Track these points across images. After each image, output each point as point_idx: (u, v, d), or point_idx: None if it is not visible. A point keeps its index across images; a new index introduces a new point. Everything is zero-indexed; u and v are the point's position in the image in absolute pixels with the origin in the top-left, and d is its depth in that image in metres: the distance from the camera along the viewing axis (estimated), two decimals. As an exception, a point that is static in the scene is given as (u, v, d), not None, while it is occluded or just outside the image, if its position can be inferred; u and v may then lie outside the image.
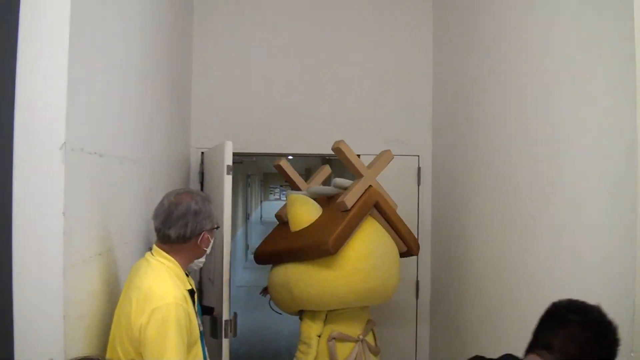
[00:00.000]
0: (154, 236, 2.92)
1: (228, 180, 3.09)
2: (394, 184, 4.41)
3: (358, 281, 3.13)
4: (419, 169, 4.45)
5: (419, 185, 4.46)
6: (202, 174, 4.27)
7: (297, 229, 3.43)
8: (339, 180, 3.56)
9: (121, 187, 2.41)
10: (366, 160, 4.31)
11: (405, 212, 4.40)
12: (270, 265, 3.64)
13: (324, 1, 4.51)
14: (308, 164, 17.90)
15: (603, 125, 2.15)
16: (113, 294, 2.28)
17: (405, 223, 3.47)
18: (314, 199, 3.58)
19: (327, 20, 4.50)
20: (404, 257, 3.52)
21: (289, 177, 3.96)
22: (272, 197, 26.76)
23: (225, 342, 3.05)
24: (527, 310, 2.75)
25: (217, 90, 4.40)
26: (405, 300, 4.45)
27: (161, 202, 2.19)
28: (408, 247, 3.49)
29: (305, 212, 3.43)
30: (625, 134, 1.98)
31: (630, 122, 1.95)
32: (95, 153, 2.04)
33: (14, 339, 1.74)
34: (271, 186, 25.17)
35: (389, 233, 3.42)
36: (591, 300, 1.80)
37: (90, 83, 1.99)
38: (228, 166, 3.09)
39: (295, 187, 3.96)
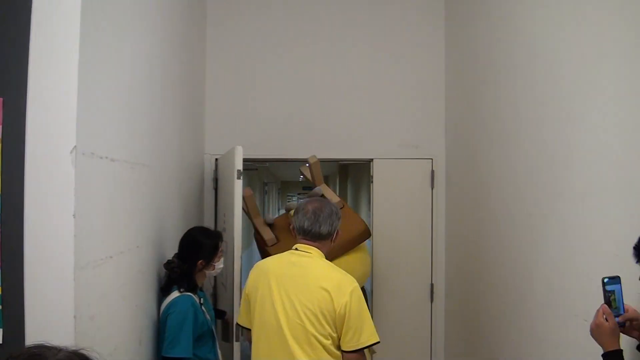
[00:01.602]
0: (167, 241, 2.97)
1: (238, 184, 3.12)
2: (407, 187, 4.44)
3: None
4: (432, 172, 4.45)
5: (432, 189, 4.46)
6: (216, 180, 4.31)
7: None
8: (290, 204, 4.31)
9: (133, 191, 2.44)
10: (381, 164, 4.35)
11: (418, 214, 4.43)
12: None
13: (337, 9, 4.54)
14: (325, 171, 17.85)
15: (613, 125, 2.14)
16: (127, 295, 2.32)
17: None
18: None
19: (340, 27, 4.52)
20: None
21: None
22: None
23: (237, 346, 3.08)
24: (542, 310, 2.74)
25: (231, 97, 4.45)
26: (420, 304, 4.44)
27: (304, 209, 2.61)
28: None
29: None
30: (633, 132, 1.98)
31: (637, 121, 1.94)
32: (107, 157, 2.07)
33: (25, 338, 1.78)
34: (289, 194, 25.20)
35: None
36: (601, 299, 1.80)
37: (101, 88, 2.02)
38: (238, 171, 3.12)
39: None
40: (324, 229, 2.56)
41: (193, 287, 2.81)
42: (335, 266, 2.57)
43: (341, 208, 4.05)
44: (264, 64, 4.47)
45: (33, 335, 1.78)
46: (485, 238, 3.55)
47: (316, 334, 2.38)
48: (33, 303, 1.78)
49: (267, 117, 4.45)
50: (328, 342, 2.40)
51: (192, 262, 2.83)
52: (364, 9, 4.53)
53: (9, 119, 1.82)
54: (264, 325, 2.51)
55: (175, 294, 2.72)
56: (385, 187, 4.44)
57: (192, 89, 3.92)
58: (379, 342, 2.45)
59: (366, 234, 4.02)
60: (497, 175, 3.34)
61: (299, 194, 25.12)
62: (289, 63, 4.49)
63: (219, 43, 4.44)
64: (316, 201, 2.67)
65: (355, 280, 2.49)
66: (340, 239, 3.92)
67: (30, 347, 1.21)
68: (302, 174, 4.44)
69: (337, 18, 4.53)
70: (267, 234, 3.62)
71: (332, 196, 4.14)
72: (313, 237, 2.57)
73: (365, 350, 3.75)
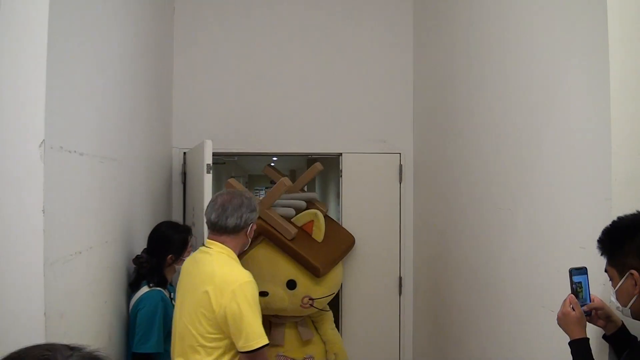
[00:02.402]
0: (135, 236, 2.94)
1: (208, 179, 3.09)
2: (376, 181, 4.46)
3: None
4: (400, 166, 4.48)
5: (400, 183, 4.49)
6: (184, 174, 4.27)
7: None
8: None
9: (102, 186, 2.41)
10: (350, 159, 4.37)
11: (387, 208, 4.46)
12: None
13: (306, 3, 4.52)
14: (292, 165, 17.82)
15: (577, 119, 2.18)
16: (96, 291, 2.29)
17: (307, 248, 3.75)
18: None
19: (309, 20, 4.51)
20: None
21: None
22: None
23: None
24: (510, 302, 2.78)
25: (199, 90, 4.39)
26: (389, 296, 4.47)
27: (213, 201, 2.45)
28: (308, 270, 3.67)
29: None
30: (599, 127, 2.02)
31: (604, 115, 1.99)
32: (75, 152, 2.04)
33: (-6, 337, 1.75)
34: (256, 188, 25.11)
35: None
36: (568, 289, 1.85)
37: (69, 81, 1.99)
38: (208, 165, 3.10)
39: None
40: (231, 222, 2.38)
41: (163, 282, 2.79)
42: (228, 263, 2.37)
43: (325, 217, 4.11)
44: (232, 57, 4.42)
45: (2, 334, 1.74)
46: (452, 232, 3.59)
47: (198, 337, 2.25)
48: (1, 301, 1.74)
49: (235, 111, 4.41)
50: (212, 345, 2.26)
51: (161, 257, 2.81)
52: (333, 3, 4.52)
53: (-25, 113, 1.77)
54: (172, 328, 2.48)
55: (144, 289, 2.70)
56: (354, 181, 4.46)
57: (160, 82, 3.87)
58: (268, 344, 2.27)
59: (354, 242, 4.35)
60: (464, 170, 3.38)
61: (266, 187, 25.07)
62: (257, 57, 4.44)
63: (186, 36, 4.38)
64: (228, 193, 2.50)
65: (246, 277, 2.29)
66: (338, 250, 4.06)
67: (35, 348, 1.08)
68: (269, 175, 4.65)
69: (306, 12, 4.51)
70: (290, 227, 3.64)
71: (322, 206, 4.33)
72: (219, 230, 2.40)
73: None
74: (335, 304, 4.39)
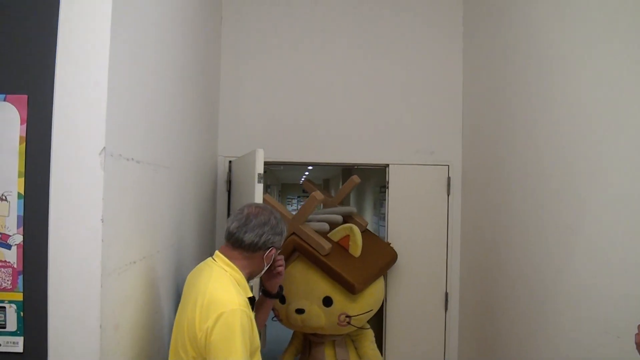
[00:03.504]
0: (184, 245, 2.89)
1: (259, 188, 3.03)
2: (422, 193, 4.36)
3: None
4: (448, 178, 4.37)
5: (448, 195, 4.38)
6: (229, 183, 4.23)
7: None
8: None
9: (156, 194, 2.37)
10: (396, 170, 4.28)
11: (434, 221, 4.36)
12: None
13: (353, 12, 4.47)
14: (326, 175, 17.78)
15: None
16: (147, 303, 2.24)
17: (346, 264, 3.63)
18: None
19: (356, 31, 4.45)
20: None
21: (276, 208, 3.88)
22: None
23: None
24: (562, 326, 2.66)
25: (245, 99, 4.37)
26: (434, 312, 4.36)
27: (240, 210, 2.24)
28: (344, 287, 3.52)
29: None
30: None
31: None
32: (133, 159, 2.00)
33: (48, 348, 1.71)
34: (289, 197, 25.24)
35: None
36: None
37: (127, 88, 1.95)
38: (259, 174, 3.04)
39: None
40: (248, 237, 2.14)
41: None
42: (226, 281, 2.08)
43: (363, 232, 3.98)
44: (277, 67, 4.39)
45: (56, 346, 1.71)
46: (504, 248, 3.46)
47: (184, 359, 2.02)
48: (56, 311, 1.71)
49: (281, 120, 4.37)
50: None
51: None
52: (382, 12, 4.45)
53: (35, 118, 1.75)
54: None
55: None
56: (400, 193, 4.36)
57: (208, 90, 3.85)
58: None
59: (396, 258, 4.20)
60: (516, 183, 3.26)
61: (298, 196, 25.16)
62: (302, 67, 4.41)
63: (232, 45, 4.36)
64: (258, 206, 2.27)
65: (236, 305, 1.97)
66: (376, 266, 3.92)
67: None
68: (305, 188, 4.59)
69: (352, 22, 4.45)
70: (324, 242, 3.52)
71: (361, 220, 4.23)
72: (234, 243, 2.17)
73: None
74: (378, 320, 4.29)
